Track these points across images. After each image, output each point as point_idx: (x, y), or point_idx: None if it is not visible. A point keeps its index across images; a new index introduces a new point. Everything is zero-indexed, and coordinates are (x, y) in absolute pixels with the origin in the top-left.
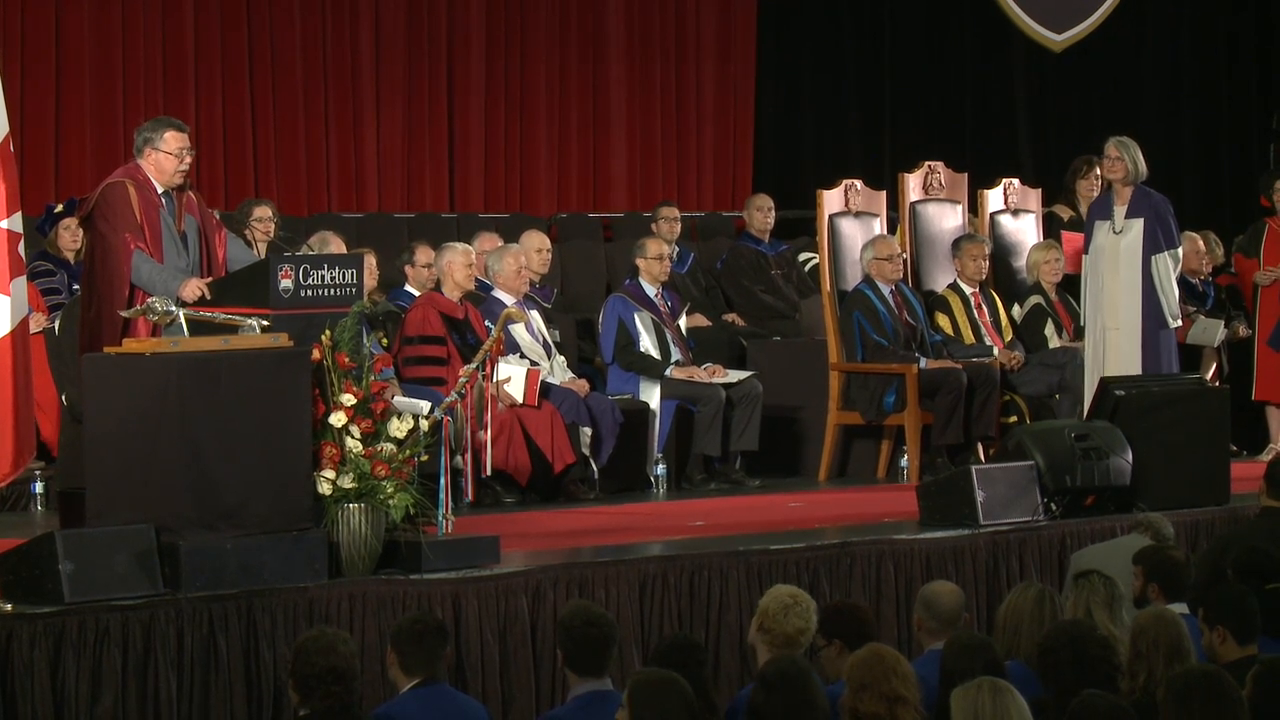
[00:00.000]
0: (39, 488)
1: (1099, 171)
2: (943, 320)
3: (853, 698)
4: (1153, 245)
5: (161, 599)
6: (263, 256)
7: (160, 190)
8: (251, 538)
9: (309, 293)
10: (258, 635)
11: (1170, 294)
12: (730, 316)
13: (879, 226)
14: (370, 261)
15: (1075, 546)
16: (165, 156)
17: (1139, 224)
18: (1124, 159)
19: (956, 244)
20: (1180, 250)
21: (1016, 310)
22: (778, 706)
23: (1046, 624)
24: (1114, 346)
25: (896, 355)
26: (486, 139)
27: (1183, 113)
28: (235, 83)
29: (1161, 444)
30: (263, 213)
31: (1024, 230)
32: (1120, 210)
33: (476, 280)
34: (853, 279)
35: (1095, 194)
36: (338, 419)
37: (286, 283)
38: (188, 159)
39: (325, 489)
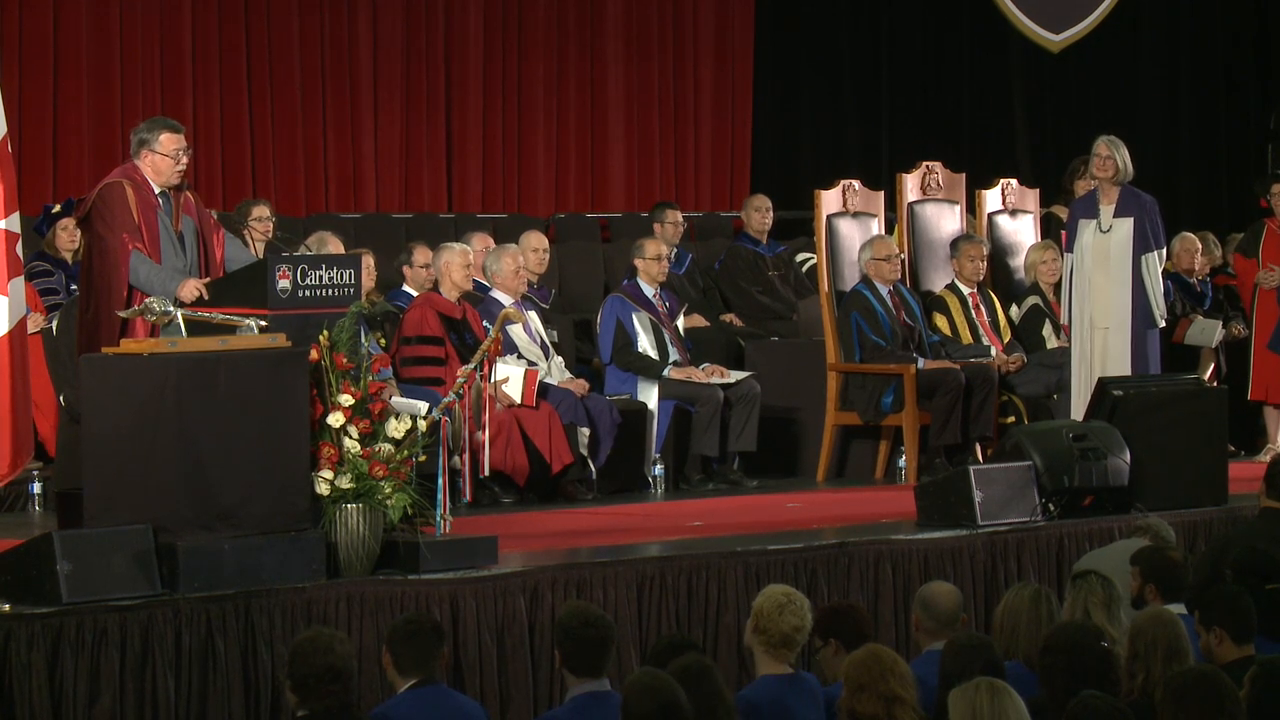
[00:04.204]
0: (37, 488)
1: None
2: (940, 321)
3: (850, 698)
4: (1142, 244)
5: (159, 599)
6: (261, 257)
7: (158, 190)
8: (249, 538)
9: (307, 293)
10: (256, 636)
11: (1158, 293)
12: (728, 317)
13: (877, 227)
14: (368, 262)
15: (1073, 547)
16: (162, 159)
17: (1128, 223)
18: (1115, 158)
19: (954, 244)
20: (1165, 250)
21: (1014, 311)
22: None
23: (1043, 624)
24: (1104, 345)
25: (894, 356)
26: (484, 139)
27: (1180, 114)
28: (233, 83)
29: (1159, 444)
30: (260, 213)
31: (1022, 231)
32: (1107, 209)
33: (474, 281)
34: (850, 279)
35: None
36: (335, 419)
37: (284, 283)
38: (184, 159)
39: (323, 489)
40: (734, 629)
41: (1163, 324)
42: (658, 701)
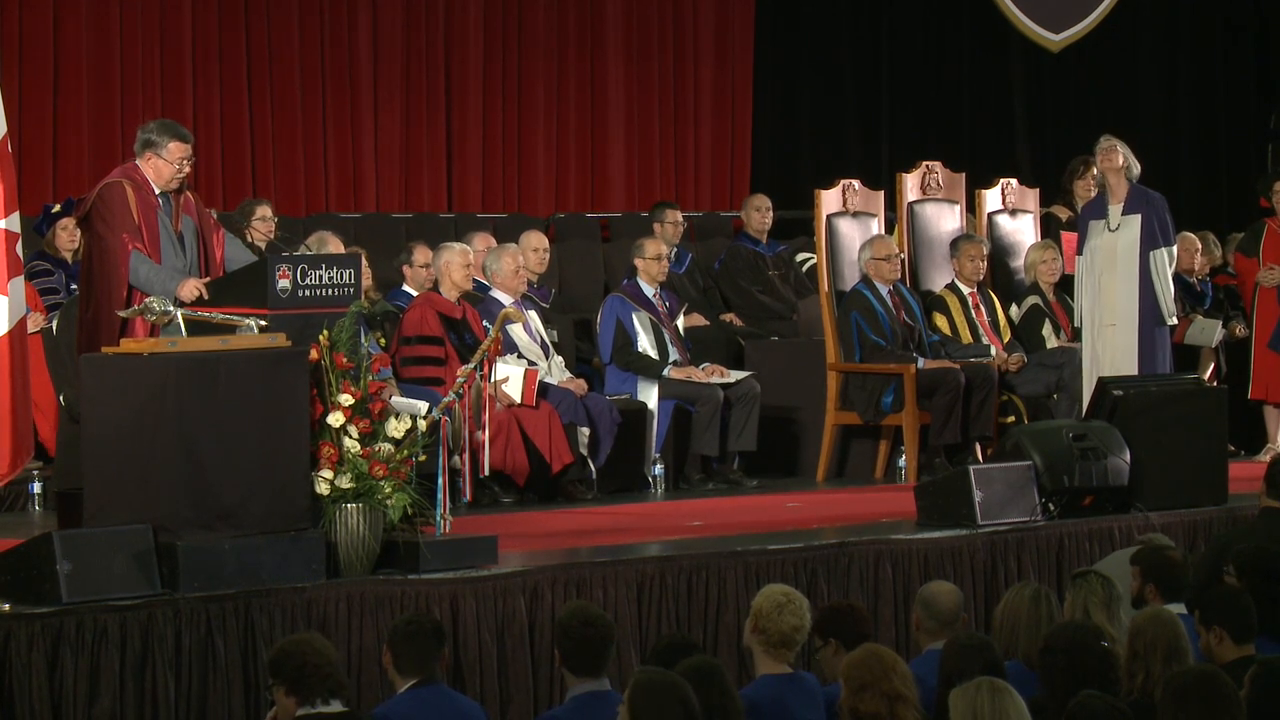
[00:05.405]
0: (37, 488)
1: (1096, 171)
2: (940, 320)
3: (852, 698)
4: (1150, 241)
5: (159, 599)
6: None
7: (158, 191)
8: (249, 538)
9: (307, 293)
10: (255, 635)
11: (1167, 290)
12: (728, 317)
13: (877, 227)
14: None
15: (1073, 547)
16: (165, 164)
17: (1136, 220)
18: (1118, 150)
19: (954, 244)
20: (1175, 248)
21: (1014, 310)
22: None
23: (1043, 624)
24: (1111, 342)
25: (894, 355)
26: (484, 139)
27: (1180, 113)
28: (233, 83)
29: (1159, 444)
30: (263, 213)
31: (1022, 230)
32: (1116, 208)
33: (474, 280)
34: (850, 279)
35: (1093, 194)
36: (335, 419)
37: (284, 283)
38: (186, 167)
39: (323, 489)
40: (734, 629)
41: (1173, 321)
42: (674, 698)
